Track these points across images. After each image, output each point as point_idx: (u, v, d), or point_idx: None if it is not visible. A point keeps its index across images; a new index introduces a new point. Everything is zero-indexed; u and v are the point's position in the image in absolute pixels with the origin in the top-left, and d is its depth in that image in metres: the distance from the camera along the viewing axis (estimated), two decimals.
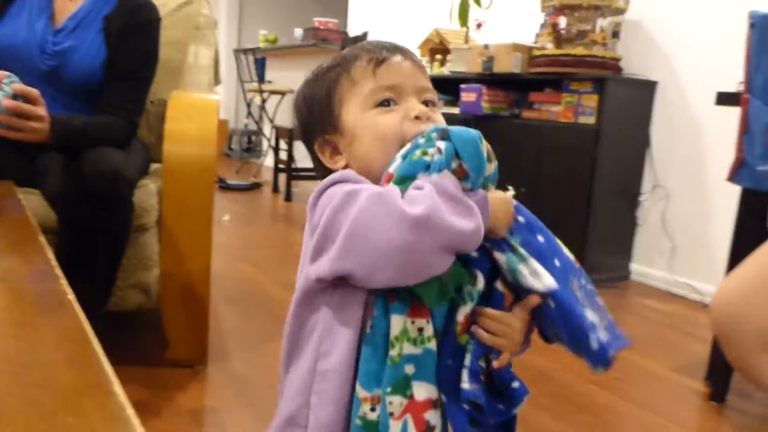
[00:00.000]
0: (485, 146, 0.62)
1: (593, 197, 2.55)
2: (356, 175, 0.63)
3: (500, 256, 0.63)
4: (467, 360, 0.61)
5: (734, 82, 1.60)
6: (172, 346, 1.55)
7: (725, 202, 1.64)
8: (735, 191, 1.61)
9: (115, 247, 1.34)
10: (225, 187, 4.47)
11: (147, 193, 1.45)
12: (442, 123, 0.67)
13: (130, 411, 0.36)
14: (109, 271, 1.36)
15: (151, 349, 1.63)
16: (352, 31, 4.56)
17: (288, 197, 4.20)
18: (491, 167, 0.63)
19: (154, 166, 1.67)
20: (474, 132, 0.61)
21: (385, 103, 0.66)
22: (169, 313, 1.52)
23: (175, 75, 1.85)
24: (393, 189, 0.58)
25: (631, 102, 2.63)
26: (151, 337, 1.69)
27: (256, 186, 4.61)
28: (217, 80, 2.08)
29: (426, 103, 0.68)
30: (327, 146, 0.70)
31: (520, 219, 0.65)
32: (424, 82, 0.69)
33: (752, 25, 1.45)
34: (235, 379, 1.54)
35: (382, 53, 0.68)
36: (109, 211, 1.28)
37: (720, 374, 1.61)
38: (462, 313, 0.61)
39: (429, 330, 0.60)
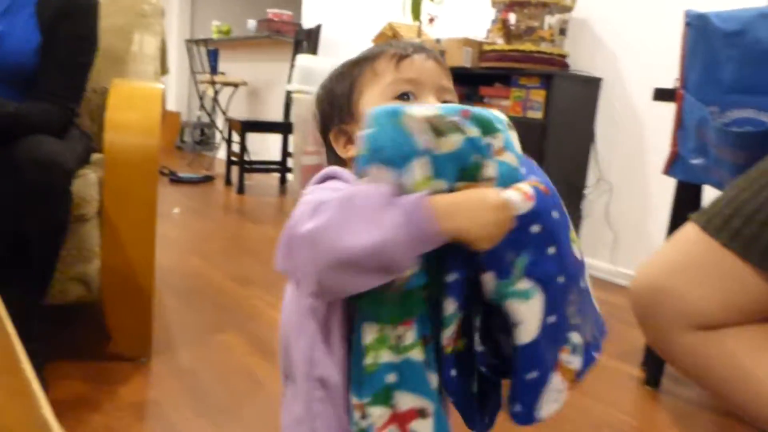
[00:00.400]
0: (440, 118, 0.52)
1: None
2: (345, 171, 0.62)
3: (489, 281, 0.54)
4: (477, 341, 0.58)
5: (673, 80, 1.66)
6: (115, 339, 1.53)
7: (663, 194, 1.70)
8: (672, 184, 1.68)
9: (53, 239, 1.30)
10: (176, 180, 4.38)
11: (87, 183, 1.42)
12: None
13: (36, 386, 0.35)
14: (46, 263, 1.32)
15: (93, 342, 1.60)
16: (306, 23, 4.53)
17: (241, 190, 4.15)
18: (451, 144, 0.52)
19: (96, 156, 1.63)
20: (396, 108, 0.53)
21: (403, 96, 0.65)
22: (110, 306, 1.49)
23: (119, 63, 1.80)
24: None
25: (576, 98, 2.70)
26: (93, 330, 1.66)
27: (208, 179, 4.54)
28: (164, 70, 2.04)
29: (445, 102, 0.67)
30: (342, 135, 0.69)
31: (535, 229, 0.54)
32: (445, 82, 0.68)
33: (687, 24, 1.51)
34: (179, 372, 1.52)
35: (407, 50, 0.68)
36: (45, 201, 1.25)
37: (655, 360, 1.67)
38: (444, 337, 0.56)
39: (410, 337, 0.56)
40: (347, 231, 0.50)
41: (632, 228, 2.66)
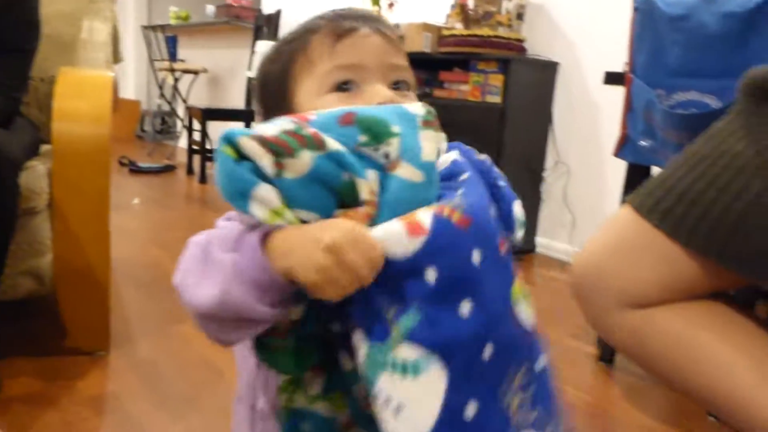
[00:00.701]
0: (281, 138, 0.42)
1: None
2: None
3: (358, 343, 0.42)
4: None
5: (623, 63, 1.69)
6: (71, 333, 1.50)
7: (618, 176, 1.74)
8: (625, 166, 1.72)
9: (0, 233, 1.27)
10: (136, 170, 4.30)
11: (35, 175, 1.39)
12: None
13: None
14: None
15: (48, 337, 1.57)
16: (266, 8, 4.47)
17: (203, 179, 4.10)
18: (302, 165, 0.41)
19: (44, 147, 1.59)
20: (230, 133, 0.43)
21: (344, 87, 0.54)
22: (65, 300, 1.47)
23: (68, 51, 1.76)
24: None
25: (534, 82, 2.73)
26: (48, 325, 1.63)
27: (169, 168, 4.47)
28: (116, 58, 2.00)
29: (397, 85, 0.57)
30: None
31: (430, 276, 0.40)
32: (395, 59, 0.57)
33: (636, 9, 1.54)
34: (138, 364, 1.51)
35: (344, 24, 0.55)
36: None
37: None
38: (357, 395, 0.47)
39: (315, 388, 0.49)
40: (196, 284, 0.46)
41: (589, 209, 2.72)
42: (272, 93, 0.60)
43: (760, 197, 0.60)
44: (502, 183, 0.58)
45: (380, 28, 0.57)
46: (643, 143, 1.55)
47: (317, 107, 0.51)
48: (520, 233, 0.57)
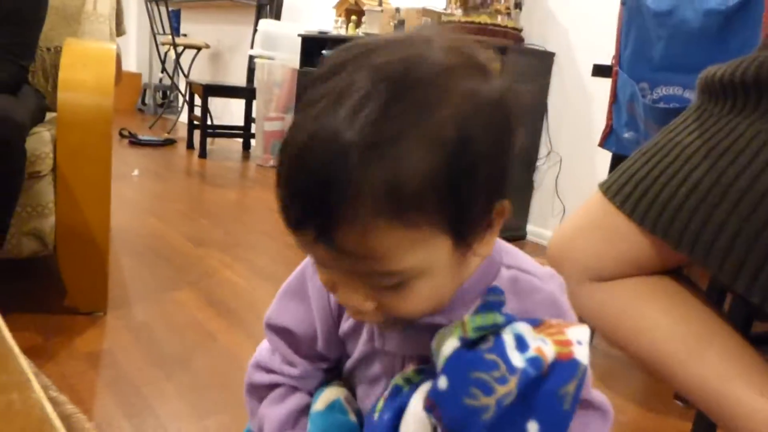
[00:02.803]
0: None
1: None
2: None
3: None
4: None
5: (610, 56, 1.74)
6: (70, 293, 1.57)
7: (607, 167, 1.80)
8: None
9: (7, 193, 1.33)
10: (136, 143, 4.35)
11: (41, 140, 1.45)
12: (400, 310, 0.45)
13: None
14: (0, 216, 1.36)
15: (49, 296, 1.64)
16: None
17: (203, 154, 4.15)
18: None
19: (50, 115, 1.65)
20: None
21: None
22: (65, 261, 1.54)
23: (73, 22, 1.81)
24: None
25: (530, 71, 2.78)
26: (49, 284, 1.70)
27: (169, 142, 4.52)
28: (119, 31, 2.04)
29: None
30: None
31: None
32: (360, 267, 0.41)
33: (623, 3, 1.59)
34: (133, 326, 1.58)
35: (289, 215, 0.40)
36: None
37: (585, 321, 1.79)
38: None
39: None
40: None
41: (580, 199, 2.78)
42: None
43: (698, 184, 0.67)
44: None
45: (328, 226, 0.38)
46: (626, 135, 1.61)
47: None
48: None
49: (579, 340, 0.46)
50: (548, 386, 0.43)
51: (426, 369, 0.49)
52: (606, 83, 2.02)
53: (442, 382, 0.44)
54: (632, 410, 1.46)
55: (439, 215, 0.40)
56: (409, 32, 0.44)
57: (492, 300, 0.45)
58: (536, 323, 0.47)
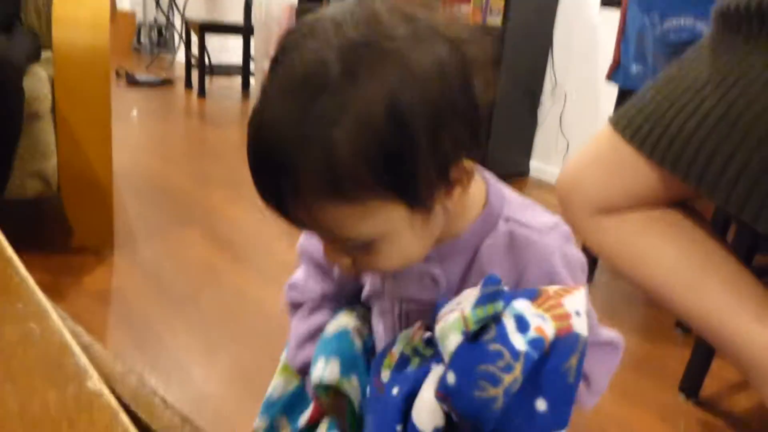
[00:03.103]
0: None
1: (497, 96, 2.66)
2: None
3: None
4: None
5: None
6: (76, 233, 1.59)
7: (612, 102, 1.77)
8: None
9: (8, 133, 1.32)
10: (134, 83, 4.29)
11: (38, 80, 1.42)
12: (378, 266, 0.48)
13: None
14: (3, 157, 1.35)
15: (56, 236, 1.66)
16: None
17: (201, 94, 4.09)
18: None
19: (45, 53, 1.62)
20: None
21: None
22: (70, 201, 1.54)
23: None
24: None
25: (536, 4, 2.70)
26: (55, 225, 1.71)
27: (167, 82, 4.45)
28: None
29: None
30: None
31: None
32: (336, 231, 0.44)
33: None
34: (141, 264, 1.60)
35: (264, 194, 0.44)
36: None
37: (589, 255, 1.80)
38: None
39: None
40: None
41: (585, 135, 2.76)
42: None
43: (708, 115, 0.66)
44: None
45: (283, 205, 0.43)
46: (634, 69, 1.58)
47: None
48: None
49: (577, 310, 0.46)
50: (552, 364, 0.44)
51: (433, 341, 0.50)
52: (614, 16, 1.97)
53: (451, 378, 0.45)
54: (633, 340, 1.49)
55: (382, 188, 0.41)
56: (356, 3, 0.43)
57: (490, 292, 0.46)
58: (534, 295, 0.48)
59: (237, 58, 4.47)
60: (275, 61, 0.42)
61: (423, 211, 0.45)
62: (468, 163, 0.45)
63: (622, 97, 1.73)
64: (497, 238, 0.53)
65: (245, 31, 4.23)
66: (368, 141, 0.39)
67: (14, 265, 0.39)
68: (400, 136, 0.39)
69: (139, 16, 6.19)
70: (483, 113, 0.44)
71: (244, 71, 4.45)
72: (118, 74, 4.37)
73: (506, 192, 0.56)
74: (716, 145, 0.67)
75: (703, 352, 1.24)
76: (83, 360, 0.30)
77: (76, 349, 0.31)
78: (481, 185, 0.55)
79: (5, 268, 0.39)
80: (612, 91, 1.78)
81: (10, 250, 0.41)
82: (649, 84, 0.80)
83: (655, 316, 1.63)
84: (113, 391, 0.29)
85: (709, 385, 1.30)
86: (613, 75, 1.67)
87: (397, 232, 0.45)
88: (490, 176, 0.57)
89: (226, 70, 4.54)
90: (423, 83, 0.40)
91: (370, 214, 0.43)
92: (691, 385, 1.27)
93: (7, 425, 0.26)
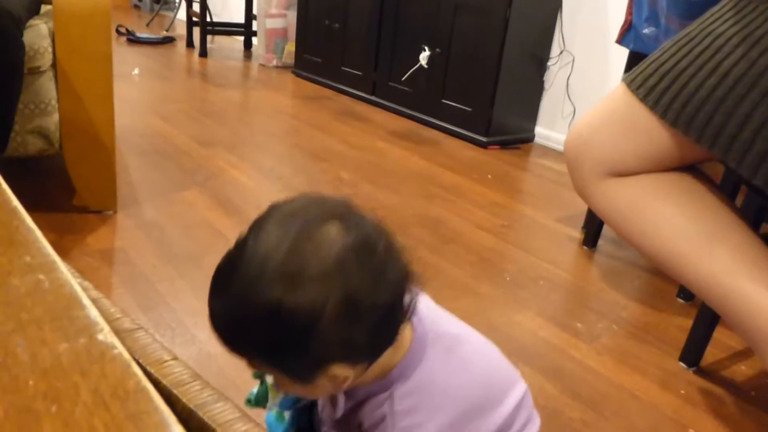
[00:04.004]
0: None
1: (503, 60, 2.62)
2: None
3: None
4: None
5: None
6: (79, 192, 1.58)
7: (621, 67, 1.74)
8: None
9: (9, 85, 1.30)
10: (134, 41, 4.22)
11: (38, 34, 1.39)
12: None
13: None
14: (4, 110, 1.33)
15: (58, 195, 1.65)
16: None
17: (203, 53, 4.03)
18: None
19: (45, 7, 1.58)
20: None
21: None
22: (72, 160, 1.53)
23: None
24: None
25: None
26: (57, 183, 1.70)
27: (168, 40, 4.38)
28: None
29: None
30: None
31: None
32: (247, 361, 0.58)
33: None
34: (144, 224, 1.59)
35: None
36: None
37: (593, 223, 1.80)
38: None
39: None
40: None
41: (591, 101, 2.72)
42: None
43: (728, 74, 0.64)
44: None
45: (218, 323, 0.56)
46: (646, 31, 1.54)
47: None
48: None
49: None
50: None
51: None
52: None
53: None
54: (636, 308, 1.50)
55: (261, 359, 0.56)
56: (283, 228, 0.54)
57: None
58: None
59: (239, 17, 4.39)
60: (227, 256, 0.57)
61: (302, 381, 0.56)
62: (340, 370, 0.54)
63: (633, 60, 1.70)
64: (375, 404, 0.62)
65: None
66: (251, 330, 0.53)
67: (20, 216, 0.38)
68: (273, 336, 0.52)
69: None
70: (366, 336, 0.54)
71: (247, 30, 4.38)
72: (119, 32, 4.30)
73: (426, 365, 0.62)
74: (734, 106, 0.66)
75: (706, 321, 1.25)
76: (94, 312, 0.30)
77: (87, 301, 0.30)
78: (399, 354, 0.61)
79: (11, 219, 0.38)
80: (621, 55, 1.75)
81: (15, 202, 0.41)
82: (667, 44, 0.78)
83: (658, 285, 1.63)
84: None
85: (711, 354, 1.31)
86: (623, 38, 1.63)
87: (287, 383, 0.57)
88: (425, 338, 0.63)
89: (228, 30, 4.46)
90: (300, 309, 0.51)
91: (260, 364, 0.57)
92: (692, 353, 1.27)
93: (19, 376, 0.25)
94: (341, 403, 0.63)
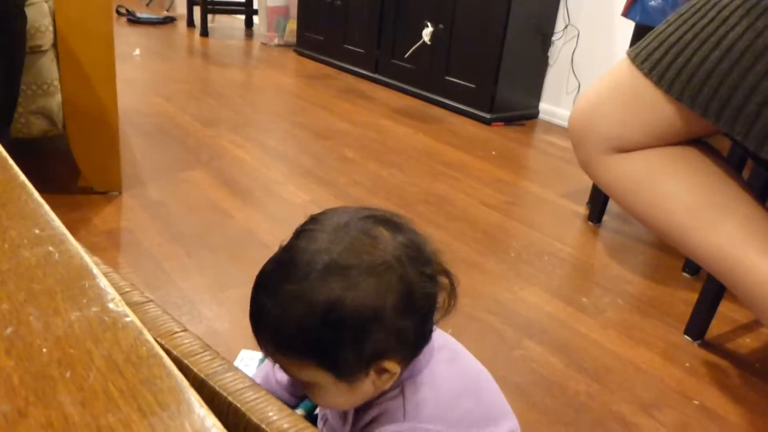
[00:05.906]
0: None
1: (507, 36, 2.59)
2: None
3: None
4: None
5: None
6: (84, 173, 1.58)
7: (627, 42, 1.72)
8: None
9: (11, 57, 1.30)
10: (134, 21, 4.19)
11: (39, 11, 1.38)
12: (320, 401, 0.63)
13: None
14: (6, 89, 1.33)
15: (63, 176, 1.65)
16: None
17: (204, 32, 4.01)
18: None
19: None
20: None
21: None
22: (76, 140, 1.53)
23: None
24: None
25: None
26: (62, 164, 1.70)
27: (169, 20, 4.35)
28: None
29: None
30: None
31: None
32: (283, 368, 0.60)
33: None
34: (149, 204, 1.60)
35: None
36: None
37: (598, 198, 1.80)
38: None
39: None
40: None
41: (597, 76, 2.68)
42: None
43: (733, 46, 0.63)
44: None
45: (267, 339, 0.58)
46: (652, 2, 1.52)
47: None
48: None
49: None
50: None
51: None
52: None
53: None
54: (641, 282, 1.50)
55: (311, 358, 0.56)
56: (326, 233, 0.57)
57: None
58: None
59: None
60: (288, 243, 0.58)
61: (348, 381, 0.57)
62: (390, 364, 0.56)
63: (639, 34, 1.68)
64: (385, 398, 0.63)
65: None
66: (306, 327, 0.54)
67: (28, 190, 0.38)
68: (329, 332, 0.53)
69: None
70: (415, 329, 0.57)
71: (248, 9, 4.34)
72: (119, 12, 4.27)
73: (415, 404, 0.62)
74: (739, 78, 0.65)
75: (711, 294, 1.25)
76: (104, 281, 0.30)
77: (97, 271, 0.30)
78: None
79: (20, 193, 0.39)
80: (627, 29, 1.72)
81: (22, 177, 0.41)
82: (672, 17, 0.77)
83: (663, 260, 1.63)
84: None
85: (716, 327, 1.31)
86: (629, 11, 1.61)
87: (325, 387, 0.58)
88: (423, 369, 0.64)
89: (228, 8, 4.43)
90: (361, 302, 0.53)
91: (304, 368, 0.57)
92: (697, 327, 1.28)
93: (33, 343, 0.26)
94: (351, 417, 0.65)
